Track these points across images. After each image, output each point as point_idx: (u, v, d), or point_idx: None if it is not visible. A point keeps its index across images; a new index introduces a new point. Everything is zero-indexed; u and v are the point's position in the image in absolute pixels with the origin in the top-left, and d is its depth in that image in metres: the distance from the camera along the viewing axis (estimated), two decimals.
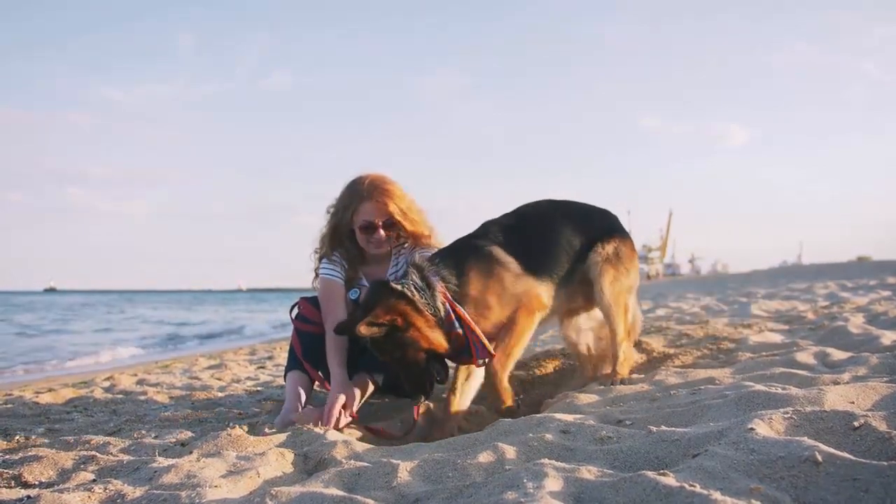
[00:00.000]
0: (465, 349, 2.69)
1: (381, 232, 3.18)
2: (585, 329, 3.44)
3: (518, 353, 2.82)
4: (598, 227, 3.13)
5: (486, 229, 2.96)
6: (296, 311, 3.31)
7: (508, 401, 2.80)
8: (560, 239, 2.99)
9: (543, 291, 2.89)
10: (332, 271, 3.25)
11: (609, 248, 3.07)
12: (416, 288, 2.67)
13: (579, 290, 3.09)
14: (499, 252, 2.83)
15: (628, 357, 3.18)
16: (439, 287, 2.68)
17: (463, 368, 2.88)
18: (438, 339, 2.66)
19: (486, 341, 2.67)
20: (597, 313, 3.26)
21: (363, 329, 2.54)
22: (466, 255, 2.84)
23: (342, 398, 2.90)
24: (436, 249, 3.15)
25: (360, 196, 3.17)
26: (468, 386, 2.90)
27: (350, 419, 2.92)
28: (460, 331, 2.66)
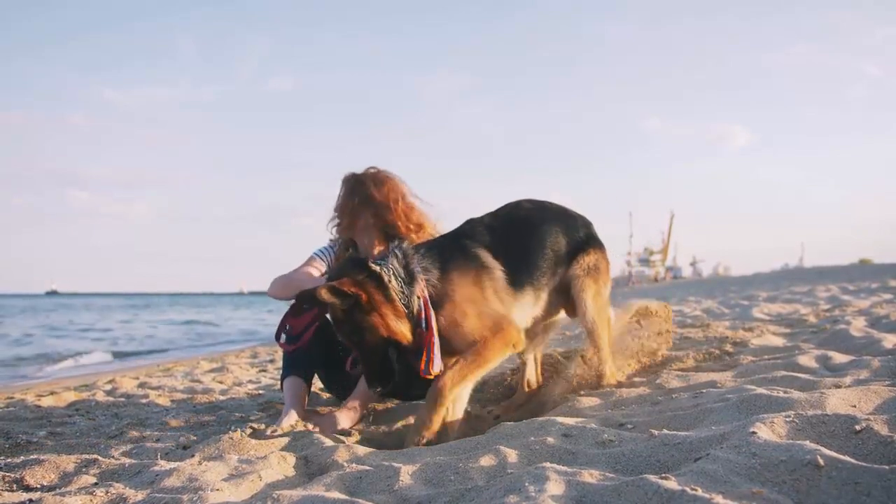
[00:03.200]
0: (419, 352, 2.49)
1: (361, 210, 3.30)
2: (539, 337, 3.29)
3: (475, 378, 2.58)
4: (581, 234, 3.02)
5: (473, 228, 2.80)
6: (283, 336, 3.10)
7: (427, 434, 2.47)
8: (546, 246, 2.87)
9: (523, 317, 2.77)
10: (322, 254, 3.43)
11: (589, 259, 2.97)
12: (394, 274, 2.52)
13: (556, 298, 3.00)
14: (485, 255, 2.68)
15: (613, 373, 3.15)
16: (420, 280, 2.53)
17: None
18: (402, 331, 2.48)
19: (437, 359, 2.46)
20: (555, 322, 3.19)
21: (324, 292, 2.38)
22: (452, 252, 2.68)
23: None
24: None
25: (357, 179, 3.34)
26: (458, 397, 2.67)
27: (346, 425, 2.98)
28: (423, 330, 2.49)
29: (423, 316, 2.49)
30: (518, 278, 2.75)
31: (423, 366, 2.47)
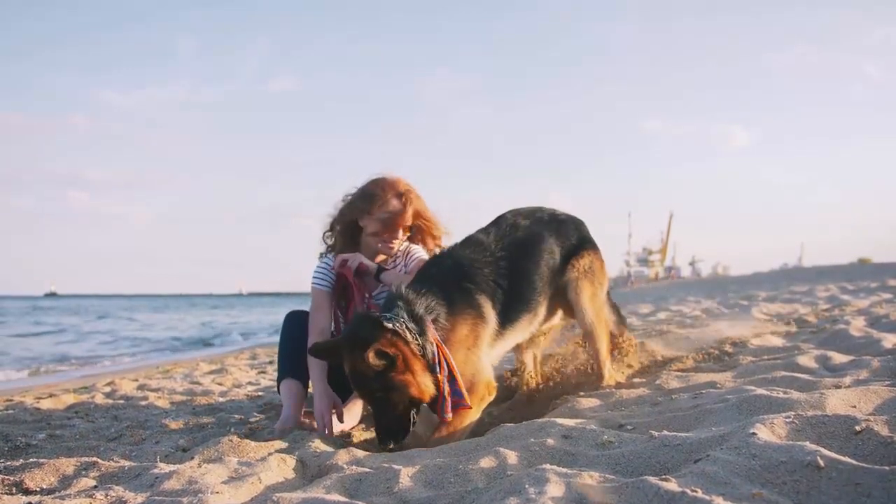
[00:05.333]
0: (445, 398, 2.47)
1: (400, 233, 3.18)
2: (539, 339, 3.34)
3: (461, 436, 2.53)
4: (573, 239, 3.07)
5: (476, 263, 2.77)
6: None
7: None
8: (543, 265, 2.91)
9: (508, 347, 2.91)
10: (321, 280, 3.22)
11: (584, 261, 3.02)
12: (407, 326, 2.46)
13: (554, 303, 3.04)
14: (485, 304, 2.69)
15: (612, 375, 3.18)
16: (430, 324, 2.51)
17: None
18: (428, 387, 2.45)
19: (465, 392, 2.49)
20: (553, 322, 3.21)
21: (372, 357, 2.34)
22: (457, 296, 2.66)
23: (328, 404, 2.90)
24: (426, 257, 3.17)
25: (386, 191, 3.15)
26: None
27: (345, 426, 2.93)
28: (440, 376, 2.46)
29: (435, 360, 2.47)
30: (515, 308, 2.80)
31: (448, 408, 2.47)
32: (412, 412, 2.50)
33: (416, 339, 2.46)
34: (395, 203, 3.14)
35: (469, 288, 2.70)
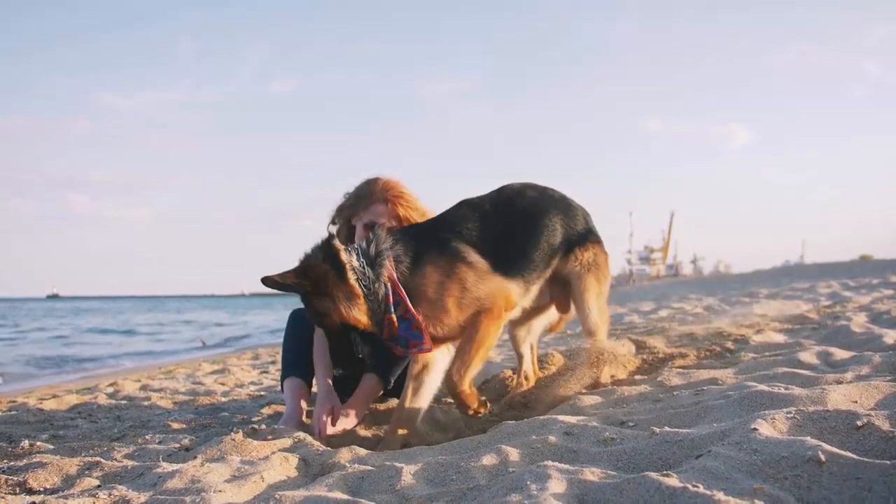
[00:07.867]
0: (399, 338, 2.51)
1: None
2: (536, 328, 3.29)
3: (479, 361, 2.58)
4: (579, 227, 2.95)
5: (463, 219, 2.69)
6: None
7: (473, 404, 2.59)
8: (543, 239, 2.78)
9: (513, 289, 2.68)
10: None
11: (589, 254, 2.92)
12: (359, 254, 2.51)
13: (548, 291, 2.97)
14: (468, 251, 2.59)
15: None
16: (388, 263, 2.50)
17: (416, 365, 2.68)
18: (355, 315, 2.48)
19: (426, 333, 2.49)
20: (551, 313, 3.18)
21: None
22: (429, 245, 2.60)
23: (327, 407, 2.92)
24: None
25: (374, 195, 3.14)
26: (422, 383, 2.70)
27: (339, 429, 2.95)
28: (394, 316, 2.46)
29: (389, 301, 2.47)
30: (507, 270, 2.68)
31: (410, 348, 2.53)
32: (355, 339, 2.63)
33: (364, 270, 2.49)
34: (380, 207, 3.13)
35: (447, 237, 2.61)
